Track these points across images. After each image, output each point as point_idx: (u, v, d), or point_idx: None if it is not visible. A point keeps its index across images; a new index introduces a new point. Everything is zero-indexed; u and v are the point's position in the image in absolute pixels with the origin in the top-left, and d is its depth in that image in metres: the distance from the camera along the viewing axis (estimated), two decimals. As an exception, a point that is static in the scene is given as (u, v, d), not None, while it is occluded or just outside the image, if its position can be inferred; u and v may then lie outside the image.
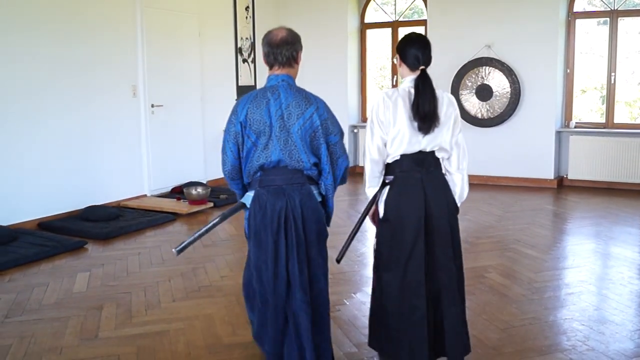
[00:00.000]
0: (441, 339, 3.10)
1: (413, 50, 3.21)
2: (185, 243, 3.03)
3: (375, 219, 3.39)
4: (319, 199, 3.22)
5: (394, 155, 3.12)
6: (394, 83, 9.94)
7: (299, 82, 3.18)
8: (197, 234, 3.07)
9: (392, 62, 3.30)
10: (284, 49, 3.08)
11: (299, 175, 3.06)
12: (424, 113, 3.02)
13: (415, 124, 3.04)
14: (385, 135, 3.10)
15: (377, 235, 3.34)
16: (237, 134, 3.06)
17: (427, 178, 3.12)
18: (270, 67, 3.13)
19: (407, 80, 3.19)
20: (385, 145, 3.12)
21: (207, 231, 3.12)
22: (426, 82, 3.11)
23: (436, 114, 3.05)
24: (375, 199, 3.28)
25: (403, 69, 3.23)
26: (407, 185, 3.11)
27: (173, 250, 3.04)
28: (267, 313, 3.07)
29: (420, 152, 3.11)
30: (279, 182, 3.04)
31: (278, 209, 3.00)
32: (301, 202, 3.05)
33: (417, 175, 3.10)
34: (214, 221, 3.12)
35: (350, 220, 6.95)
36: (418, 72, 3.16)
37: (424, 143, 3.09)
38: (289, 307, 3.04)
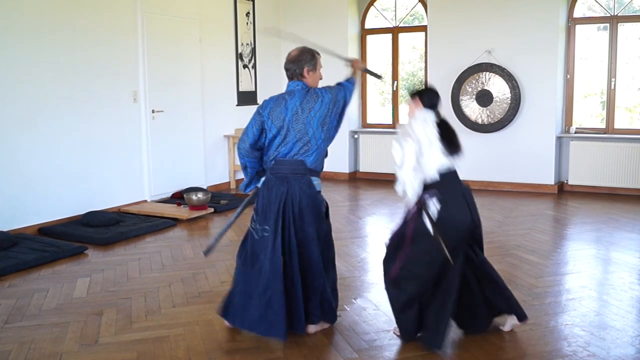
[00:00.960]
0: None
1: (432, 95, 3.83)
2: (212, 243, 4.09)
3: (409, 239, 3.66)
4: (319, 189, 3.89)
5: (432, 175, 3.61)
6: (394, 88, 9.95)
7: None
8: (223, 230, 4.12)
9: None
10: (291, 67, 3.91)
11: (302, 167, 3.80)
12: (456, 145, 3.78)
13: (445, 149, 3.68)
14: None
15: (412, 254, 3.64)
16: (263, 122, 3.82)
17: (467, 191, 3.75)
18: (289, 78, 3.95)
19: (424, 113, 3.75)
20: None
21: (231, 224, 4.10)
22: (447, 122, 3.84)
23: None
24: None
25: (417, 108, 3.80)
26: (454, 198, 3.63)
27: (202, 252, 3.80)
28: (251, 274, 3.83)
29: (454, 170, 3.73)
30: (285, 171, 3.79)
31: (280, 193, 3.74)
32: (300, 189, 3.76)
33: (459, 188, 3.70)
34: (237, 212, 4.05)
35: (350, 226, 6.95)
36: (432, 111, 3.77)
37: (453, 162, 3.73)
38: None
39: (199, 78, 8.75)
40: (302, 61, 3.87)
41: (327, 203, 4.01)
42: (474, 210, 3.69)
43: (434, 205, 3.56)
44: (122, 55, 7.57)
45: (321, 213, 3.90)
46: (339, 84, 4.08)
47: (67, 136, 6.96)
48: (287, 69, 3.92)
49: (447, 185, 3.60)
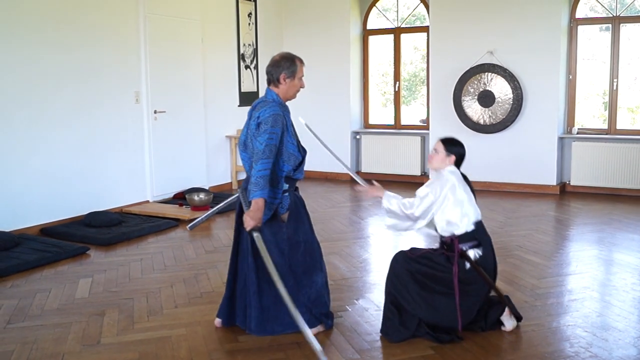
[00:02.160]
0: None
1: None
2: (200, 220, 4.17)
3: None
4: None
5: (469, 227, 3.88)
6: (396, 89, 9.94)
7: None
8: (212, 211, 4.20)
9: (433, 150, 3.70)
10: (270, 70, 3.85)
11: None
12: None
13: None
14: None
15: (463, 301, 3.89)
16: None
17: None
18: (267, 83, 3.90)
19: (454, 170, 4.05)
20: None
21: (221, 208, 4.20)
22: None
23: None
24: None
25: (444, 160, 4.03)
26: (486, 245, 3.96)
27: (187, 227, 3.81)
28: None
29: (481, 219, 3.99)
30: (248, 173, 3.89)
31: (239, 198, 3.89)
32: None
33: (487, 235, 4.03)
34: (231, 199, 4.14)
35: (352, 227, 6.95)
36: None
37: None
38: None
39: (201, 79, 8.76)
40: (281, 67, 3.80)
41: (294, 205, 3.87)
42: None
43: (474, 254, 3.86)
44: (124, 56, 7.58)
45: (276, 216, 3.82)
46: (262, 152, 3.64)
47: (70, 137, 6.96)
48: (266, 72, 3.88)
49: (481, 234, 3.95)
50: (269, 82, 3.86)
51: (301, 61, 3.89)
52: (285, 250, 3.79)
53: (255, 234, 3.57)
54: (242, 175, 9.52)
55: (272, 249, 3.76)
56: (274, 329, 3.87)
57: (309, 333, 3.29)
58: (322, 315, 3.94)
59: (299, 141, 3.89)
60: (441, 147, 4.01)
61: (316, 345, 3.25)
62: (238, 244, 3.96)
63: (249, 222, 3.56)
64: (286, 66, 3.80)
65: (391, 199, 4.03)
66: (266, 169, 3.59)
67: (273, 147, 3.64)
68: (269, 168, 3.61)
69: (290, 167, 3.79)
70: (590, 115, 9.19)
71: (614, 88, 8.54)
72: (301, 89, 3.93)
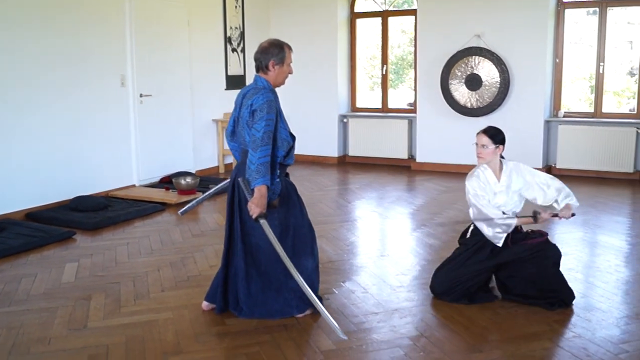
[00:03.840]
0: None
1: None
2: (191, 205, 4.19)
3: None
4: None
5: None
6: (384, 72, 9.92)
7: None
8: (204, 196, 4.20)
9: (485, 146, 3.79)
10: (259, 57, 3.85)
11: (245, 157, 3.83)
12: None
13: None
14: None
15: None
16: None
17: None
18: (256, 70, 3.90)
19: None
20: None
21: (212, 193, 4.24)
22: None
23: None
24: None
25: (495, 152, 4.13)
26: None
27: (179, 212, 4.04)
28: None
29: None
30: (240, 160, 3.96)
31: (232, 182, 3.96)
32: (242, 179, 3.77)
33: None
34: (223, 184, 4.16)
35: (339, 210, 6.96)
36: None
37: None
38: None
39: (187, 62, 8.69)
40: (269, 54, 3.80)
41: (285, 190, 3.90)
42: None
43: None
44: (109, 39, 7.50)
45: (268, 202, 3.78)
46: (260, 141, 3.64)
47: (55, 121, 6.91)
48: (255, 59, 3.87)
49: None
50: (258, 69, 3.85)
51: (289, 48, 3.89)
52: (276, 235, 3.78)
53: (262, 221, 3.63)
54: (229, 159, 9.50)
55: (260, 236, 3.78)
56: (262, 314, 3.89)
57: (324, 311, 3.49)
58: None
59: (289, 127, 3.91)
60: (488, 141, 4.08)
61: (333, 323, 3.43)
62: (231, 231, 3.95)
63: (254, 209, 3.61)
64: (275, 53, 3.80)
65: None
66: (266, 155, 3.62)
67: (270, 133, 3.65)
68: (269, 154, 3.64)
69: (283, 152, 3.80)
70: (577, 99, 9.23)
71: (600, 72, 8.57)
72: (289, 75, 3.94)
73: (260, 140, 3.61)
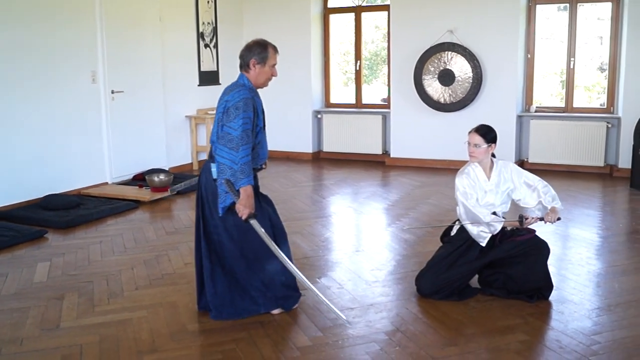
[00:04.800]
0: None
1: None
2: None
3: None
4: (215, 176, 3.73)
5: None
6: (358, 68, 9.93)
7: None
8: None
9: (478, 146, 3.78)
10: (242, 55, 3.82)
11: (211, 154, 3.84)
12: None
13: None
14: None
15: None
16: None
17: None
18: (239, 67, 3.87)
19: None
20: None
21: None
22: None
23: None
24: None
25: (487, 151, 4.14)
26: None
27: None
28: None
29: None
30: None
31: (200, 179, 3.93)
32: (205, 177, 3.80)
33: None
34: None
35: (314, 206, 6.96)
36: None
37: None
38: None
39: (159, 58, 8.61)
40: (252, 52, 3.76)
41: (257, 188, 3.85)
42: None
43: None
44: (79, 34, 7.40)
45: (216, 200, 3.76)
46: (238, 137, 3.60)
47: (25, 118, 6.79)
48: (239, 57, 3.84)
49: None
50: (241, 66, 3.82)
51: (275, 49, 3.84)
52: (235, 235, 3.77)
53: (252, 221, 3.62)
54: (203, 156, 9.44)
55: (222, 234, 3.79)
56: (230, 314, 3.84)
57: (325, 300, 3.65)
58: (279, 298, 3.92)
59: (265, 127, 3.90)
60: (480, 140, 4.08)
61: (335, 310, 3.62)
62: (198, 230, 3.92)
63: (243, 210, 3.60)
64: (257, 52, 3.76)
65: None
66: (248, 154, 3.60)
67: (249, 131, 3.62)
68: (250, 154, 3.62)
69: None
70: (548, 94, 9.34)
71: (571, 67, 8.68)
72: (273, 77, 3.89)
73: (240, 139, 3.57)
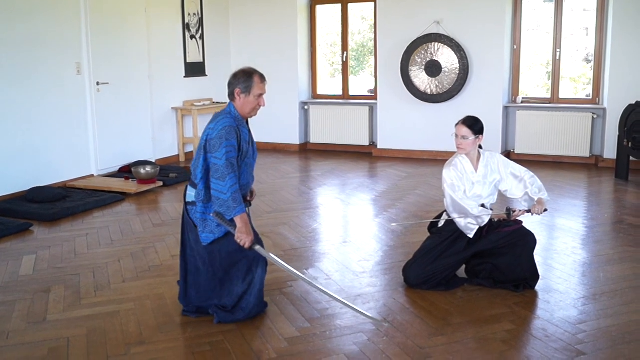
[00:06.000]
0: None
1: None
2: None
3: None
4: (189, 199, 3.73)
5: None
6: (344, 59, 9.92)
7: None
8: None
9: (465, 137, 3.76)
10: (229, 82, 3.74)
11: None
12: None
13: None
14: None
15: None
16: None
17: None
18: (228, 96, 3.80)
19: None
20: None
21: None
22: None
23: None
24: None
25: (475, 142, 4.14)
26: None
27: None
28: None
29: None
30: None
31: None
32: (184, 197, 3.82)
33: None
34: None
35: (301, 197, 6.96)
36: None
37: None
38: None
39: (145, 49, 8.55)
40: (237, 81, 3.69)
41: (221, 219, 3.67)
42: None
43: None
44: (64, 25, 7.33)
45: (191, 224, 3.73)
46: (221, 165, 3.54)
47: (9, 110, 6.73)
48: (227, 84, 3.78)
49: None
50: (228, 95, 3.75)
51: (261, 78, 3.74)
52: (206, 258, 3.71)
53: (257, 247, 3.60)
54: (190, 148, 9.40)
55: (196, 257, 3.75)
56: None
57: (360, 310, 3.59)
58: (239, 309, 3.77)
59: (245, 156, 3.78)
60: (468, 131, 4.08)
61: (374, 317, 3.63)
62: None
63: (245, 239, 3.55)
64: (242, 81, 3.68)
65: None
66: (235, 183, 3.53)
67: (233, 159, 3.56)
68: (237, 182, 3.56)
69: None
70: (534, 85, 9.37)
71: (557, 58, 8.71)
72: (261, 107, 3.77)
73: (225, 167, 3.51)
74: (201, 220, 3.67)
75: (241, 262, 3.73)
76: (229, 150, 3.54)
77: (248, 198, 3.86)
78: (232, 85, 3.71)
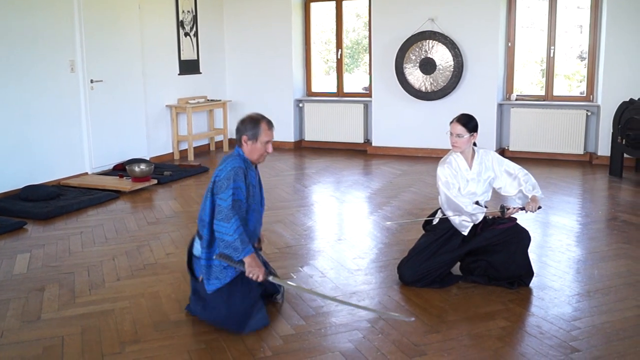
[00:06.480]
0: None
1: None
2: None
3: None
4: (196, 253, 3.69)
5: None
6: (339, 57, 9.91)
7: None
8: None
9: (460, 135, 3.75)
10: (237, 128, 3.71)
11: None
12: None
13: None
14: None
15: None
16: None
17: None
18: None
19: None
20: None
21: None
22: None
23: None
24: None
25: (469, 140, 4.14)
26: None
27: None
28: None
29: None
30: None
31: None
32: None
33: None
34: None
35: (296, 195, 6.96)
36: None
37: None
38: None
39: (139, 47, 8.53)
40: (244, 128, 3.65)
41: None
42: None
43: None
44: (57, 23, 7.30)
45: (194, 276, 3.73)
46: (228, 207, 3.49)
47: (3, 108, 6.70)
48: (235, 130, 3.75)
49: None
50: (236, 140, 3.71)
51: (269, 124, 3.70)
52: (208, 301, 3.65)
53: (270, 278, 3.59)
54: (184, 145, 9.38)
55: (198, 299, 3.69)
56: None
57: (391, 313, 3.69)
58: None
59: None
60: (462, 129, 4.07)
61: (396, 315, 3.66)
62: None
63: (256, 273, 3.50)
64: (248, 128, 3.64)
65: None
66: (240, 225, 3.49)
67: (238, 202, 3.54)
68: (241, 224, 3.51)
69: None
70: (529, 82, 9.39)
71: (551, 55, 8.73)
72: (267, 153, 3.71)
73: (229, 209, 3.46)
74: (206, 267, 3.62)
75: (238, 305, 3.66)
76: (235, 193, 3.51)
77: (256, 245, 3.78)
78: (239, 132, 3.66)
